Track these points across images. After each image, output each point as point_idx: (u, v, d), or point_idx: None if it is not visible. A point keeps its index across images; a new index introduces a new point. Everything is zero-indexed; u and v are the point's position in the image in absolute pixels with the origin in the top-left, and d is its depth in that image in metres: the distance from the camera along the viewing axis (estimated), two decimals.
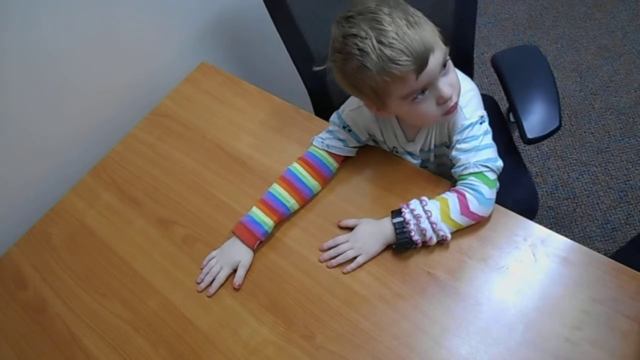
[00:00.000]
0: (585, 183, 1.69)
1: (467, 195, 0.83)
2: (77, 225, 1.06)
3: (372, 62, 0.72)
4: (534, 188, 1.17)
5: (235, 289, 0.90)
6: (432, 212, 0.83)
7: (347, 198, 0.96)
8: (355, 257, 0.87)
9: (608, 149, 1.74)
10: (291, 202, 0.95)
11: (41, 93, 1.04)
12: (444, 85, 0.78)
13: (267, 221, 0.93)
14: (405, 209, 0.85)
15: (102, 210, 1.07)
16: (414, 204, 0.85)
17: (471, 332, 0.78)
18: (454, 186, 0.88)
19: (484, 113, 0.86)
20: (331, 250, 0.90)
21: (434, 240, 0.84)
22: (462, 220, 0.84)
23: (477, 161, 0.84)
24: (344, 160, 0.99)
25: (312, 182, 0.96)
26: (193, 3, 1.28)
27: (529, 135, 0.99)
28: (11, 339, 0.95)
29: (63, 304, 0.96)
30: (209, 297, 0.90)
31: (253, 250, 0.93)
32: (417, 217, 0.83)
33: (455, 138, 0.86)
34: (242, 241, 0.92)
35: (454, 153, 0.86)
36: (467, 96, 0.85)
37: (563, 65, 1.97)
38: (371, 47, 0.72)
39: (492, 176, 0.84)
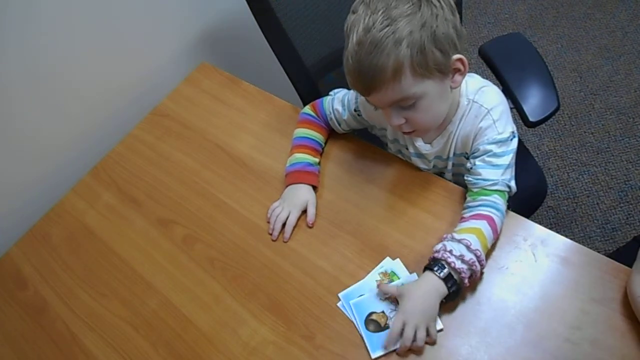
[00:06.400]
0: (585, 183, 1.69)
1: (494, 218, 0.80)
2: (77, 225, 1.06)
3: (344, 53, 0.75)
4: (541, 170, 1.18)
5: (309, 227, 0.94)
6: (471, 240, 0.76)
7: (348, 198, 0.96)
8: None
9: (608, 149, 1.74)
10: (318, 135, 1.00)
11: (41, 93, 1.04)
12: (395, 117, 0.77)
13: (313, 160, 0.98)
14: (444, 253, 0.76)
15: (102, 210, 1.07)
16: (449, 244, 0.77)
17: (471, 332, 0.78)
18: (465, 194, 0.86)
19: (515, 128, 0.83)
20: (402, 344, 0.76)
21: (478, 270, 0.77)
22: (491, 243, 0.81)
23: (504, 179, 0.81)
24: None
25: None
26: (194, 3, 1.28)
27: (532, 119, 1.00)
28: (11, 339, 0.95)
29: (63, 304, 0.96)
30: (285, 242, 0.93)
31: (316, 188, 0.97)
32: (461, 258, 0.76)
33: (483, 147, 0.82)
34: (305, 183, 0.95)
35: (479, 163, 0.82)
36: (498, 110, 0.82)
37: (563, 65, 1.97)
38: (345, 44, 0.74)
39: (507, 195, 0.83)
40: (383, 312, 0.81)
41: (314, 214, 0.94)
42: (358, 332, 0.81)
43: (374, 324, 0.80)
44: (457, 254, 0.76)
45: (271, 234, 0.94)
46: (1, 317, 0.98)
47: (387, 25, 0.69)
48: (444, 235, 0.80)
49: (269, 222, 0.95)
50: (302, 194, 0.95)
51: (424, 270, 0.79)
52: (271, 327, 0.85)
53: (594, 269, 0.79)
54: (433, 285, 0.75)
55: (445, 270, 0.75)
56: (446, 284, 0.75)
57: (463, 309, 0.80)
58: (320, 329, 0.83)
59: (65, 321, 0.94)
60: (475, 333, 0.77)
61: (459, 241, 0.77)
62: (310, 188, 0.96)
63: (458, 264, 0.75)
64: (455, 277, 0.76)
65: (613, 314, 0.75)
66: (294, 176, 0.97)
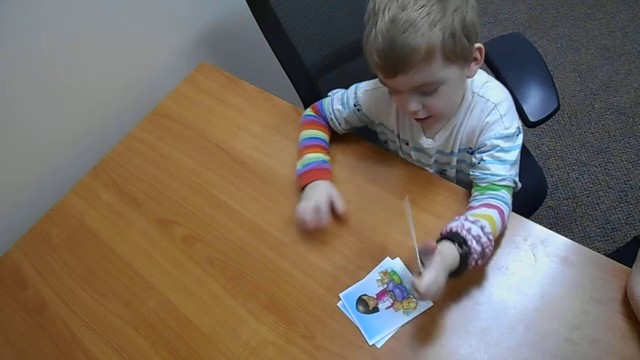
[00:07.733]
0: (585, 183, 1.69)
1: (504, 210, 0.80)
2: (77, 225, 1.06)
3: (367, 33, 0.73)
4: (541, 170, 1.18)
5: (340, 217, 0.92)
6: (485, 224, 0.76)
7: (348, 198, 0.96)
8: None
9: (608, 149, 1.74)
10: (324, 134, 1.00)
11: (41, 93, 1.04)
12: (413, 102, 0.76)
13: (325, 157, 0.98)
14: (463, 230, 0.74)
15: (102, 210, 1.07)
16: (466, 223, 0.75)
17: (471, 332, 0.78)
18: (469, 191, 0.85)
19: (520, 124, 0.83)
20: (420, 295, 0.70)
21: (488, 256, 0.77)
22: (498, 234, 0.81)
23: (511, 175, 0.81)
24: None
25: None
26: (194, 3, 1.28)
27: (532, 119, 1.00)
28: (11, 339, 0.95)
29: (63, 304, 0.96)
30: (340, 213, 0.92)
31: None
32: (477, 239, 0.75)
33: (490, 142, 0.81)
34: (322, 179, 0.94)
35: (488, 159, 0.82)
36: (504, 105, 0.82)
37: (563, 65, 1.97)
38: (372, 22, 0.72)
39: (512, 191, 0.83)
40: (376, 295, 0.83)
41: (342, 203, 0.91)
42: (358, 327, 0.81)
43: (363, 304, 0.82)
44: (475, 234, 0.74)
45: (308, 226, 0.88)
46: (1, 317, 0.98)
47: (422, 6, 0.68)
48: (456, 217, 0.78)
49: (304, 222, 0.88)
50: (323, 189, 0.92)
51: (439, 240, 0.76)
52: (271, 327, 0.85)
53: (594, 269, 0.79)
54: (452, 257, 0.73)
55: (465, 248, 0.73)
56: (460, 260, 0.73)
57: (463, 309, 0.80)
58: (320, 329, 0.83)
59: (65, 321, 0.94)
60: (475, 333, 0.77)
61: (474, 222, 0.76)
62: (329, 182, 0.94)
63: (474, 244, 0.74)
64: (468, 256, 0.74)
65: (613, 314, 0.75)
66: (310, 175, 0.94)
